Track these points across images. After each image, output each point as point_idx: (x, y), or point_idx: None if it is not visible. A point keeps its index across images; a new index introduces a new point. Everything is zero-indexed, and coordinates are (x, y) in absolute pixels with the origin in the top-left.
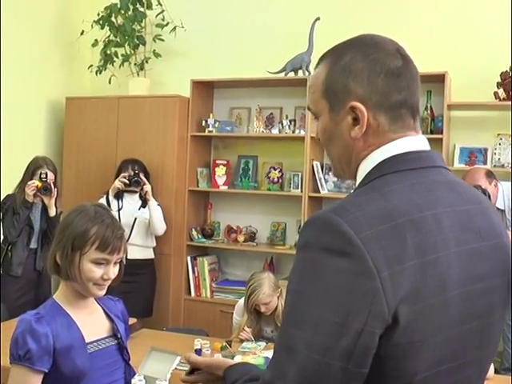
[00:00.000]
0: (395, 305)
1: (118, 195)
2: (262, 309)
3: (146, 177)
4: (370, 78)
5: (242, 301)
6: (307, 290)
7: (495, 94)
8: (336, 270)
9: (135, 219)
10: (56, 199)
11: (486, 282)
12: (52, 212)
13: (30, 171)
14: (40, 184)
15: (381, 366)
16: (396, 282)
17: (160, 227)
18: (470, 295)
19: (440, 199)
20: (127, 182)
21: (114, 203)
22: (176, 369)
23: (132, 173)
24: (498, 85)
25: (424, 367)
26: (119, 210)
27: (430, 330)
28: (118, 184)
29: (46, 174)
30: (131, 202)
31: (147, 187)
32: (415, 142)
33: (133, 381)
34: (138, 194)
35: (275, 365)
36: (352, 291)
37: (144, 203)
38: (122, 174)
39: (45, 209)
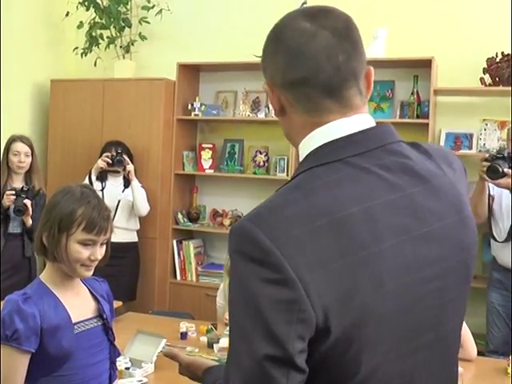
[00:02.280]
0: (323, 308)
1: (102, 176)
2: None
3: (129, 158)
4: (274, 58)
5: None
6: (238, 301)
7: (481, 79)
8: (259, 280)
9: (119, 201)
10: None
11: (436, 266)
12: (28, 224)
13: (6, 148)
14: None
15: (325, 364)
16: (321, 285)
17: (143, 207)
18: (416, 283)
19: (373, 189)
20: (110, 161)
21: (96, 184)
22: (162, 352)
23: (115, 153)
24: (484, 71)
25: (369, 357)
26: (102, 189)
27: (371, 325)
28: (100, 163)
29: (26, 191)
30: (115, 184)
31: (130, 167)
32: (346, 125)
33: (118, 362)
34: (121, 176)
35: (225, 371)
36: (277, 302)
37: (127, 183)
38: (105, 154)
39: None
